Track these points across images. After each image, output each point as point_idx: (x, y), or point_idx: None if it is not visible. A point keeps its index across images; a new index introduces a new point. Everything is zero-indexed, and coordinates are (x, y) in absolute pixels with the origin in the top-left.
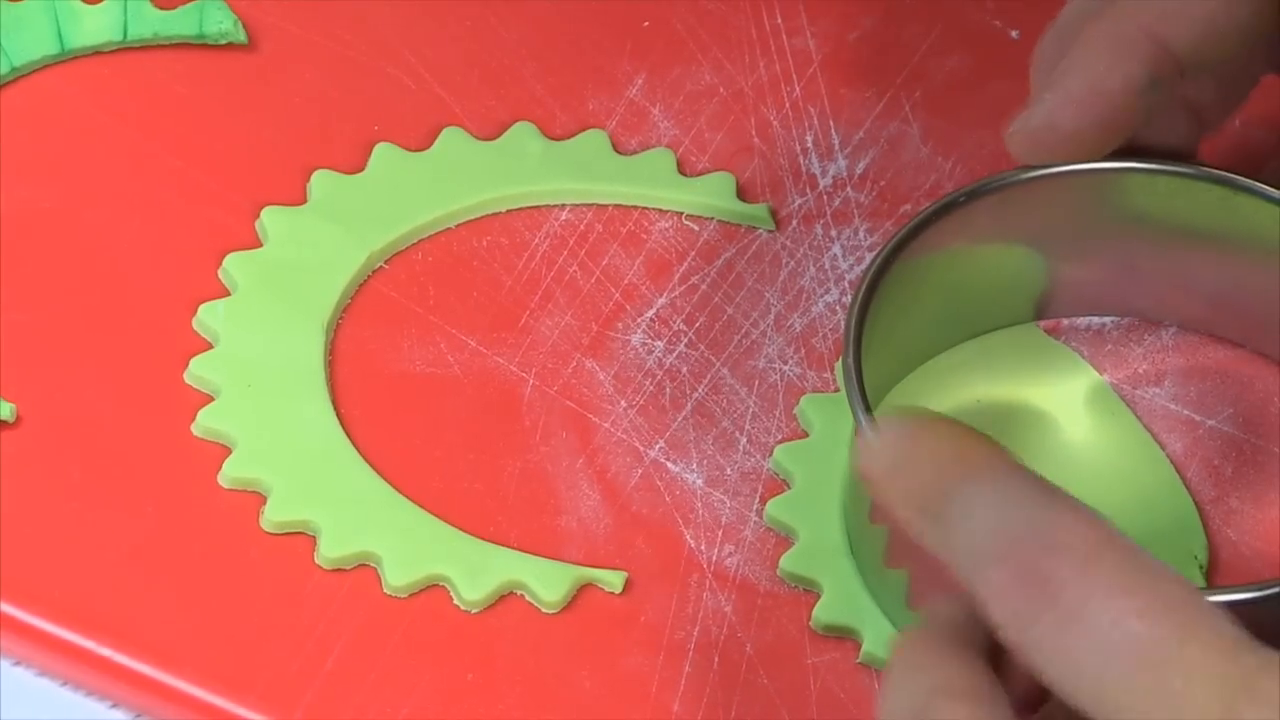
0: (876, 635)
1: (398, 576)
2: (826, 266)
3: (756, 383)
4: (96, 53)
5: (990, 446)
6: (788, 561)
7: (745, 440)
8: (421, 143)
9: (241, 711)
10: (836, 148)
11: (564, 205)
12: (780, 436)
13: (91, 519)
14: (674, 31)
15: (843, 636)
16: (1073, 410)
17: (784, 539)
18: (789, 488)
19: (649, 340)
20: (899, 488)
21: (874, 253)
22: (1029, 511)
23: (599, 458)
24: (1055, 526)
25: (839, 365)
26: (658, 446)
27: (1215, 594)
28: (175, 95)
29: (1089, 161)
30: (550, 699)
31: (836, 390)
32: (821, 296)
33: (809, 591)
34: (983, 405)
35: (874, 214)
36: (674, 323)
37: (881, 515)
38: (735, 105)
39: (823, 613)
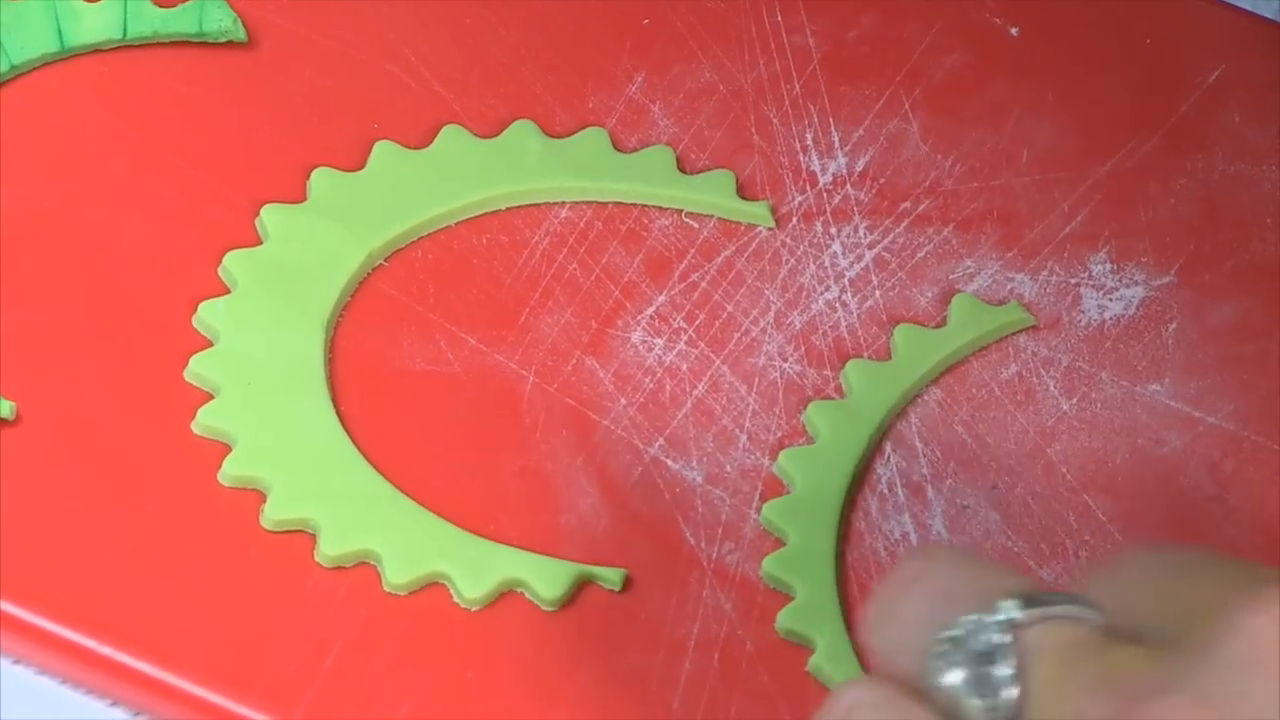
0: (829, 649)
1: (398, 574)
2: (826, 264)
3: (756, 380)
4: (96, 51)
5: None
6: (770, 563)
7: (745, 438)
8: (421, 140)
9: (242, 710)
10: (836, 145)
11: (564, 203)
12: (780, 434)
13: (91, 517)
14: (674, 29)
15: (801, 644)
16: None
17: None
18: (789, 490)
19: (649, 338)
20: None
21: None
22: None
23: (599, 455)
24: None
25: (843, 372)
26: (657, 444)
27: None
28: (175, 93)
29: None
30: (550, 696)
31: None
32: (821, 294)
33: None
34: None
35: (874, 211)
36: (674, 320)
37: None
38: (735, 103)
39: (786, 618)
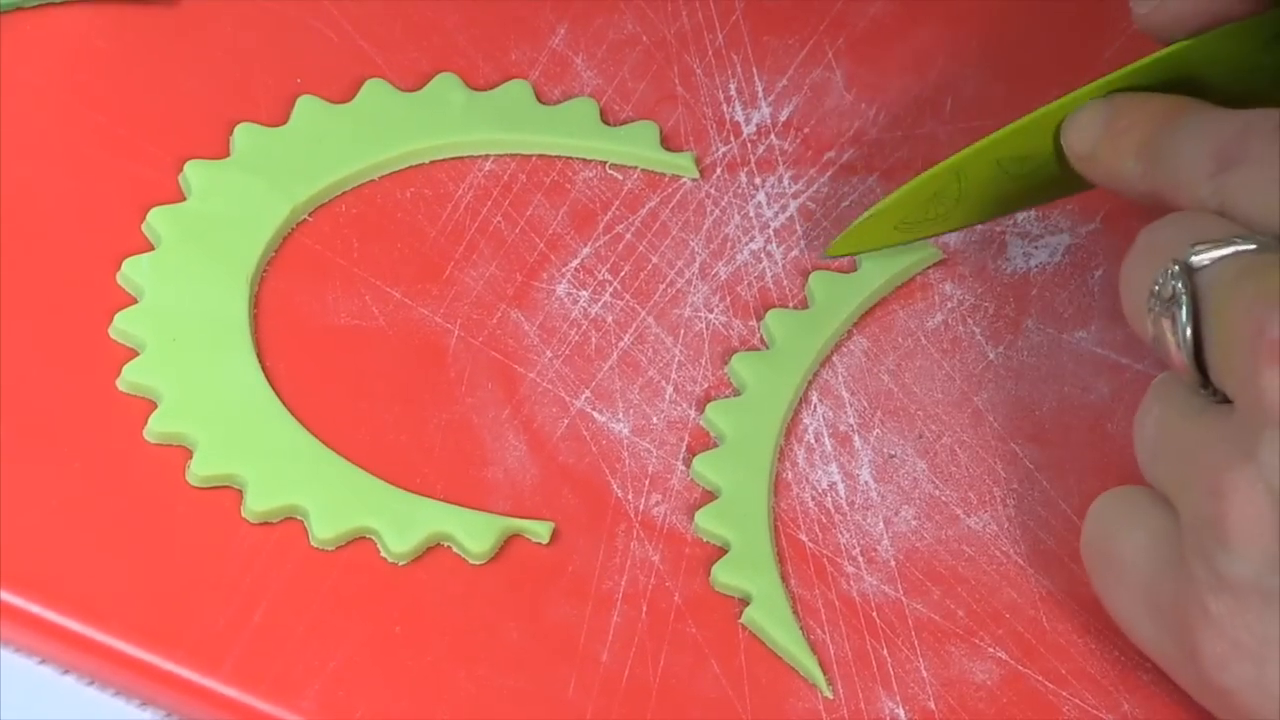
0: (765, 601)
1: (324, 529)
2: (751, 214)
3: (682, 331)
4: (18, 9)
5: (1182, 98)
6: (702, 517)
7: (671, 389)
8: (344, 95)
9: (169, 666)
10: (760, 95)
11: (487, 156)
12: (706, 385)
13: (17, 475)
14: None
15: (736, 596)
16: None
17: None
18: (717, 443)
19: (574, 290)
20: (1124, 143)
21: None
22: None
23: (525, 408)
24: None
25: (764, 322)
26: (584, 396)
27: None
28: (98, 50)
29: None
30: (478, 650)
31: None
32: (746, 244)
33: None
34: None
35: (797, 161)
36: (599, 272)
37: None
38: (658, 53)
39: (722, 571)
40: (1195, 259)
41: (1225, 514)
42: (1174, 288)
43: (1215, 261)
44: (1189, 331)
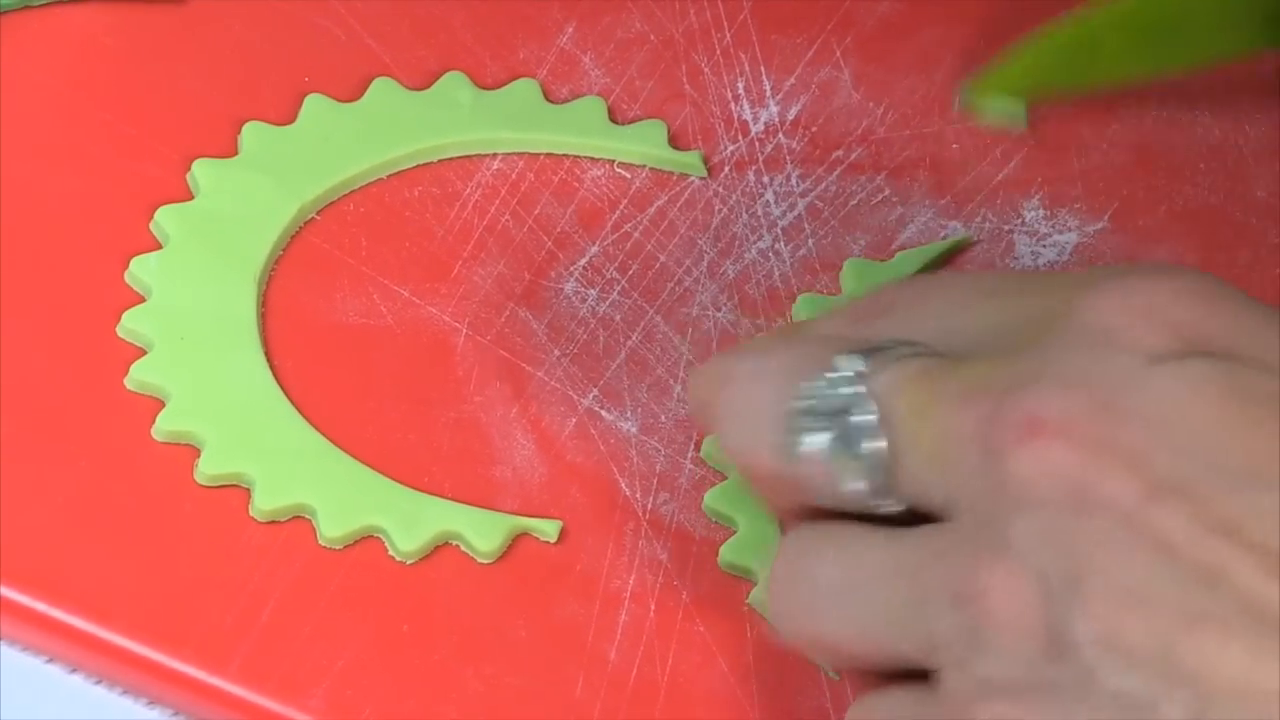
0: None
1: (332, 528)
2: (759, 213)
3: (690, 330)
4: (25, 7)
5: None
6: (711, 497)
7: (679, 388)
8: (352, 93)
9: (177, 665)
10: (768, 94)
11: (495, 155)
12: None
13: (24, 474)
14: None
15: (742, 576)
16: None
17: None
18: None
19: (582, 289)
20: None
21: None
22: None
23: (533, 407)
24: None
25: (795, 306)
26: (592, 395)
27: None
28: (105, 48)
29: None
30: (486, 649)
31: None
32: (754, 243)
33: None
34: None
35: (806, 160)
36: (607, 271)
37: None
38: (666, 52)
39: (729, 551)
40: (862, 365)
41: (985, 613)
42: (836, 398)
43: (885, 368)
44: (876, 442)
